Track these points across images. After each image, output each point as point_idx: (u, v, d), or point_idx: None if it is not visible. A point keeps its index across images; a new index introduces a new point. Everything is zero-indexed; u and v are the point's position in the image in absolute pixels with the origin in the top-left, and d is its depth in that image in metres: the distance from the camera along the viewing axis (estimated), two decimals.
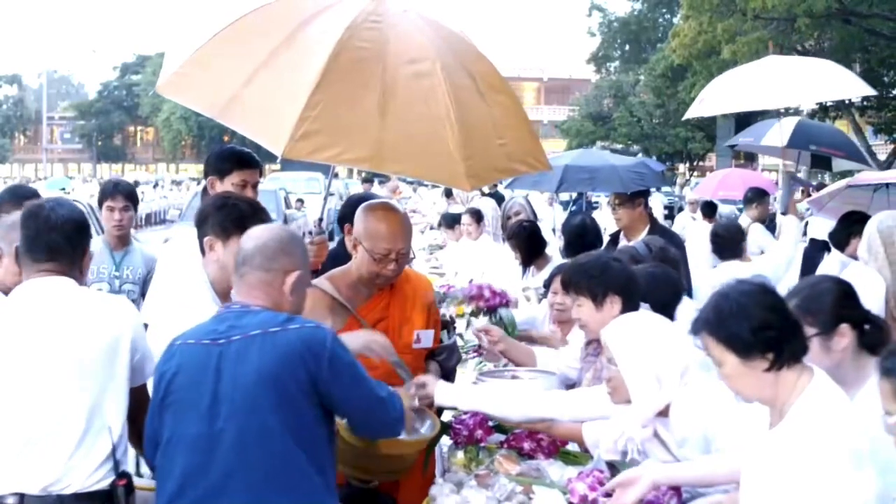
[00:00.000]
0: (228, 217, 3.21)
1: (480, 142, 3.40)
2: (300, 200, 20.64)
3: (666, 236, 5.61)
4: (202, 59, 3.39)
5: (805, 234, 7.78)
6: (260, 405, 2.48)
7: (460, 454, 3.37)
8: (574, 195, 15.82)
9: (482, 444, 3.39)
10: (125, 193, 5.42)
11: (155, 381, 2.65)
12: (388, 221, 3.46)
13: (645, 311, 3.29)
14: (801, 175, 8.88)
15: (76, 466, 2.67)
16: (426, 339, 3.61)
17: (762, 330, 2.31)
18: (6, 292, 2.89)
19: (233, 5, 3.46)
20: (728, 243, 6.11)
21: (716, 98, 6.83)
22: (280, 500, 2.50)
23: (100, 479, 2.69)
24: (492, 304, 4.83)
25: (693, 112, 7.05)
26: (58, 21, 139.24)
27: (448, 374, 3.69)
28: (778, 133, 7.47)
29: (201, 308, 3.03)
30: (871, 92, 7.14)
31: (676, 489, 2.68)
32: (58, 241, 2.80)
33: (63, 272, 2.81)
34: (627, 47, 46.27)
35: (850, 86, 6.79)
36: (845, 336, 2.72)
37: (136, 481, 2.89)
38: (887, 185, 6.51)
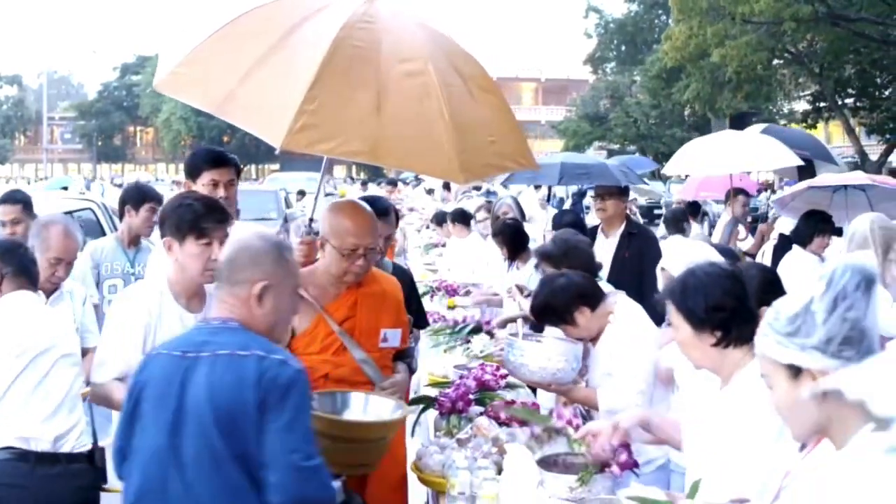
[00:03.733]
0: (183, 217, 3.24)
1: (472, 138, 3.44)
2: (301, 192, 20.84)
3: (641, 231, 6.04)
4: (199, 56, 3.43)
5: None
6: (210, 429, 2.40)
7: (444, 422, 3.80)
8: (573, 197, 16.27)
9: (463, 414, 3.82)
10: (157, 199, 5.61)
11: (129, 391, 2.61)
12: (355, 217, 3.48)
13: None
14: (786, 181, 9.66)
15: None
16: (393, 338, 3.60)
17: (716, 310, 2.62)
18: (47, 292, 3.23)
19: (229, 6, 3.52)
20: (673, 222, 8.50)
21: (685, 160, 8.54)
22: None
23: None
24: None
25: (669, 169, 9.29)
26: (58, 22, 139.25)
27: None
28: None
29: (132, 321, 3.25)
30: (798, 162, 8.35)
31: (626, 445, 3.08)
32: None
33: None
34: (623, 48, 46.62)
35: (784, 157, 8.01)
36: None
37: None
38: (845, 186, 6.99)
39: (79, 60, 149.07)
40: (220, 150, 4.23)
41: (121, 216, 5.82)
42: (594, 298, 3.72)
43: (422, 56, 3.41)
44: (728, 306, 2.61)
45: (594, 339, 3.75)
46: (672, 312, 2.74)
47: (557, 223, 6.61)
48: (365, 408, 3.29)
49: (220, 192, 3.95)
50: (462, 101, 3.46)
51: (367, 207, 3.64)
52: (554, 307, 3.73)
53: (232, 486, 2.40)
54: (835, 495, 1.67)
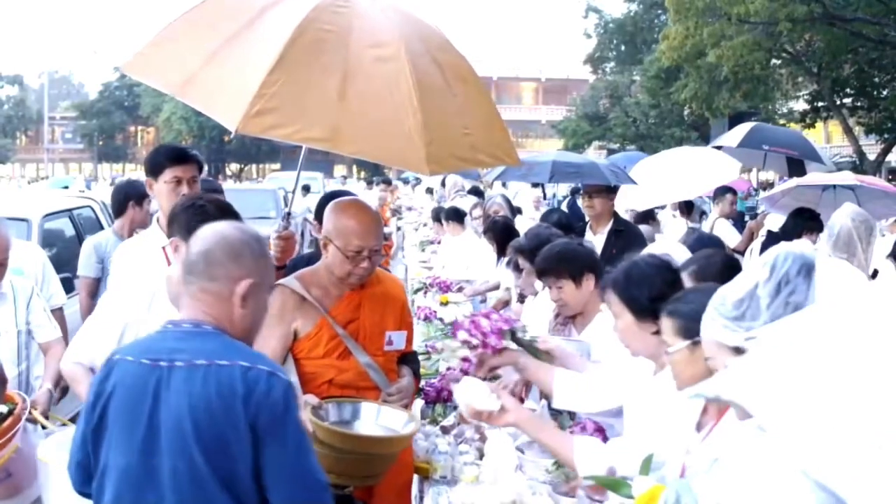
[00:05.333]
0: (194, 218, 3.06)
1: (442, 128, 3.28)
2: (306, 187, 20.94)
3: (629, 228, 6.17)
4: (165, 38, 3.35)
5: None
6: (191, 447, 2.19)
7: (429, 410, 3.93)
8: (570, 195, 16.38)
9: (448, 403, 3.94)
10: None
11: (90, 399, 2.36)
12: (360, 218, 3.37)
13: None
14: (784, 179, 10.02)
15: None
16: (398, 340, 3.52)
17: (658, 300, 2.75)
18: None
19: None
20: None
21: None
22: None
23: None
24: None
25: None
26: (59, 22, 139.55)
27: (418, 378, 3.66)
28: (733, 134, 8.16)
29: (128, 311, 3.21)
30: (734, 177, 8.99)
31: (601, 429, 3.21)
32: None
33: None
34: (623, 48, 46.69)
35: (727, 172, 8.61)
36: None
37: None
38: (835, 185, 7.14)
39: (80, 60, 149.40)
40: (182, 147, 4.14)
41: (120, 212, 5.92)
42: (599, 276, 3.81)
43: (394, 41, 3.27)
44: (668, 296, 2.72)
45: (574, 318, 3.86)
46: (614, 302, 2.90)
47: (546, 220, 6.74)
48: (377, 419, 3.18)
49: (183, 189, 3.88)
50: (435, 90, 3.32)
51: (372, 207, 3.54)
52: (573, 258, 3.85)
53: None
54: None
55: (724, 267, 3.30)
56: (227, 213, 3.18)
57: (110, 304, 3.45)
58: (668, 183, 8.39)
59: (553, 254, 3.96)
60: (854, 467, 1.38)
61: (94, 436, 2.34)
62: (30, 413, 3.63)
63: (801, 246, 2.04)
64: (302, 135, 3.12)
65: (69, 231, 6.84)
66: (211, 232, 2.38)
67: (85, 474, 2.40)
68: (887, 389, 1.40)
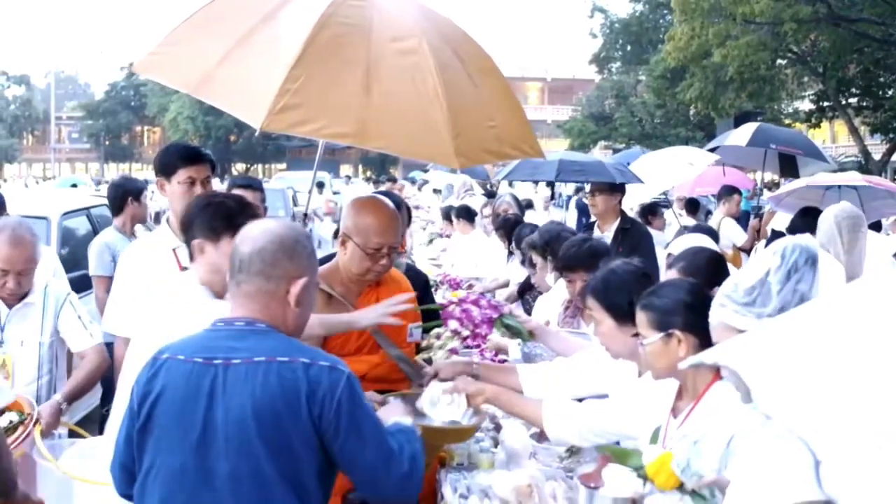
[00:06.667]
0: (216, 215, 2.96)
1: (469, 121, 3.22)
2: (320, 184, 21.03)
3: (634, 226, 6.28)
4: (179, 37, 3.27)
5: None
6: (255, 446, 2.14)
7: None
8: (572, 197, 16.51)
9: None
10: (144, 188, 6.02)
11: (136, 400, 2.30)
12: (380, 215, 3.37)
13: None
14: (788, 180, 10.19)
15: None
16: (417, 332, 3.55)
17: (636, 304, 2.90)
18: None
19: None
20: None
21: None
22: None
23: None
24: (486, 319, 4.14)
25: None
26: (65, 22, 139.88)
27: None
28: (740, 134, 8.28)
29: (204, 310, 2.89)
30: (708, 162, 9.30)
31: None
32: None
33: None
34: (629, 48, 46.75)
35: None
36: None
37: None
38: (839, 186, 7.27)
39: (86, 60, 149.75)
40: (195, 146, 4.06)
41: (119, 209, 6.03)
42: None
43: (415, 34, 3.20)
44: None
45: (582, 310, 3.90)
46: (595, 308, 3.04)
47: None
48: (433, 408, 3.13)
49: (197, 190, 3.81)
50: (459, 82, 3.26)
51: (391, 204, 3.50)
52: (605, 254, 3.85)
53: None
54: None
55: (711, 263, 3.44)
56: (248, 206, 3.11)
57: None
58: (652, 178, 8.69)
59: (584, 249, 4.02)
60: (843, 441, 1.45)
61: (140, 436, 2.28)
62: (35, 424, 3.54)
63: (805, 239, 2.17)
64: (328, 131, 3.06)
65: (87, 229, 6.96)
66: (262, 230, 2.34)
67: (129, 476, 2.35)
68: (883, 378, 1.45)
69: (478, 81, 3.40)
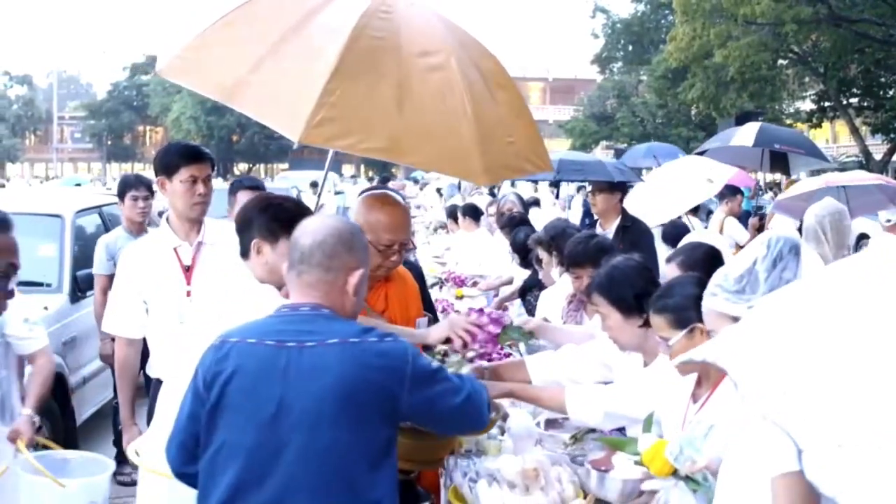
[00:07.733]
0: (276, 218, 3.04)
1: (493, 138, 3.27)
2: (314, 184, 21.00)
3: (634, 224, 6.39)
4: (207, 41, 3.22)
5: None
6: (335, 420, 2.25)
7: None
8: (574, 197, 16.64)
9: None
10: (147, 185, 6.01)
11: (205, 381, 2.36)
12: (390, 213, 3.41)
13: None
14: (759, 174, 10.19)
15: None
16: (423, 327, 3.59)
17: (641, 297, 3.07)
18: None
19: None
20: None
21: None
22: None
23: None
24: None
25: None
26: (67, 22, 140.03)
27: None
28: (743, 134, 8.41)
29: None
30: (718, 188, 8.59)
31: None
32: None
33: None
34: (630, 48, 46.83)
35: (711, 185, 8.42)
36: None
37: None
38: (843, 187, 7.41)
39: (88, 60, 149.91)
40: (195, 145, 4.08)
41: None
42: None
43: (443, 49, 3.24)
44: (651, 292, 2.98)
45: (585, 304, 4.08)
46: (602, 304, 3.18)
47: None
48: None
49: (199, 188, 3.85)
50: (482, 98, 3.29)
51: (402, 201, 3.56)
52: (612, 251, 3.93)
53: (353, 482, 2.28)
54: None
55: (707, 257, 3.58)
56: (305, 209, 3.17)
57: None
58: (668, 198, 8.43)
59: (591, 245, 4.13)
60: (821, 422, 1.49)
61: (210, 416, 2.35)
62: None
63: (788, 230, 2.31)
64: (363, 146, 3.07)
65: (99, 227, 7.08)
66: (321, 224, 2.48)
67: (188, 455, 2.42)
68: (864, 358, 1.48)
69: (497, 96, 3.44)
